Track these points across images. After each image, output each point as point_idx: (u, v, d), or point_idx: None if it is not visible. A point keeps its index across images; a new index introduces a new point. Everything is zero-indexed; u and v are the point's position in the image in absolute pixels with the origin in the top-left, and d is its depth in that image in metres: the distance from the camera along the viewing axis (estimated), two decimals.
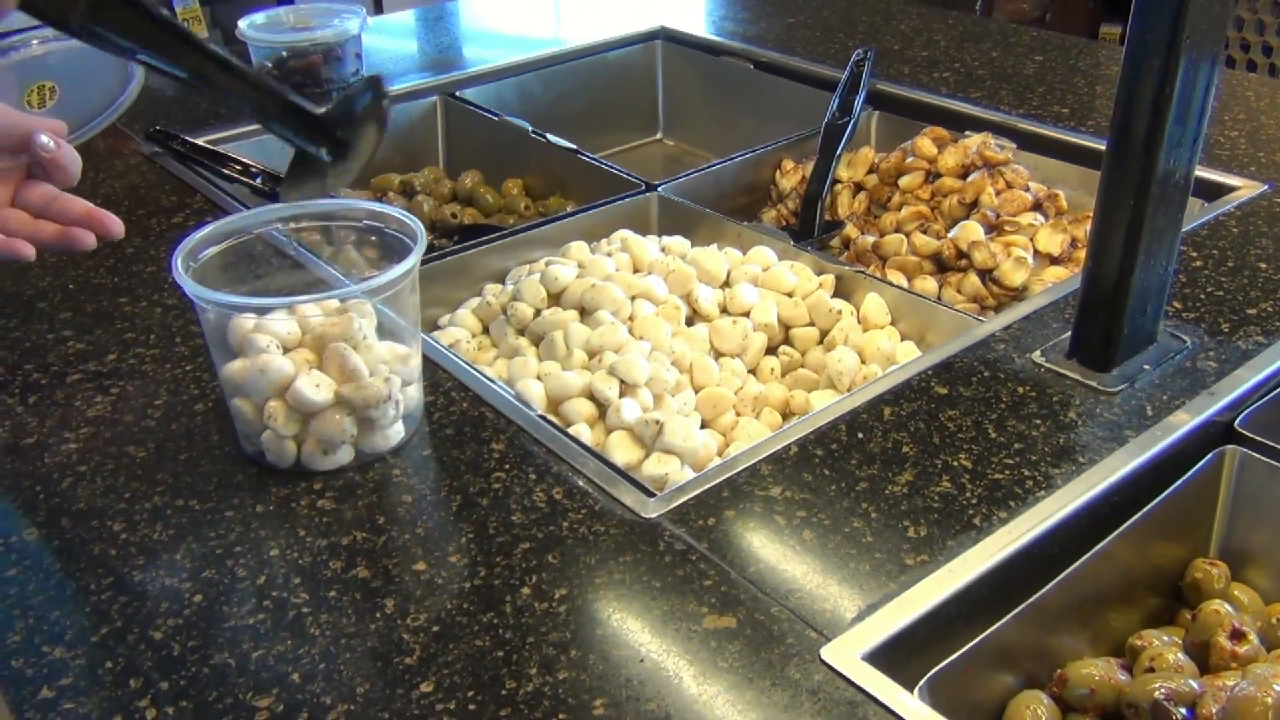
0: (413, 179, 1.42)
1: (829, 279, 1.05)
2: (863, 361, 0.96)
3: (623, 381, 0.89)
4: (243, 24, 1.45)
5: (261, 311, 0.74)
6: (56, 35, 1.12)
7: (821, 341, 1.01)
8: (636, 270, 1.06)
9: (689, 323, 1.02)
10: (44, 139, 0.79)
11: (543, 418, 0.81)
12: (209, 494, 0.74)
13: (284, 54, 1.44)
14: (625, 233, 1.11)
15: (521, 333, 1.01)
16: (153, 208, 1.15)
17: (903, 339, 1.00)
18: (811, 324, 1.02)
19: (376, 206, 0.80)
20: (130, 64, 1.17)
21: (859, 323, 1.01)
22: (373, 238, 0.82)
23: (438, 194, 1.41)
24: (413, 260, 0.74)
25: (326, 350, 0.74)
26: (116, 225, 0.82)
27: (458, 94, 1.51)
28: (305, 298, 0.71)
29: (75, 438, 0.80)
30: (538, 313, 1.01)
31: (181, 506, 0.73)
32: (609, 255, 1.07)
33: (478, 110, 1.48)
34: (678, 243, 1.11)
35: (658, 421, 0.85)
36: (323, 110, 0.84)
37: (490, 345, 1.04)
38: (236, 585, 0.66)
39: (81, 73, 1.19)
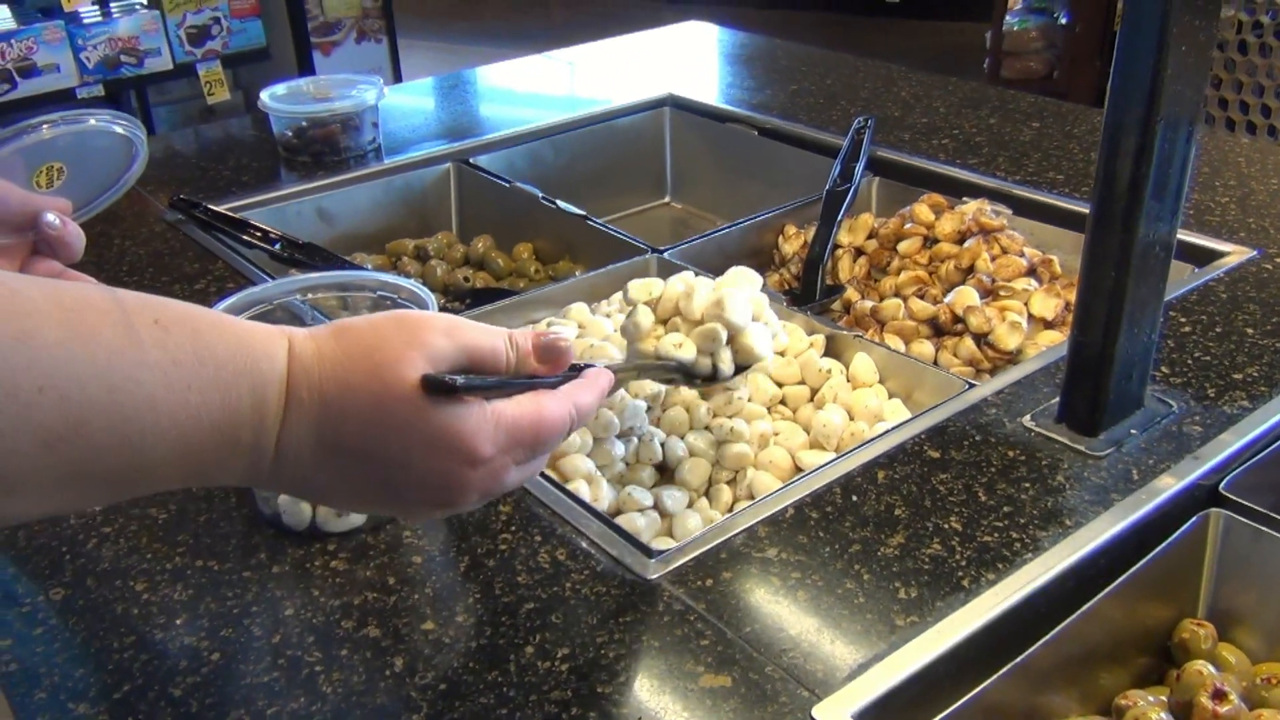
0: (426, 244, 1.47)
1: (819, 339, 1.08)
2: (851, 419, 0.99)
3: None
4: (264, 95, 1.51)
5: None
6: (65, 119, 1.18)
7: (812, 399, 1.04)
8: None
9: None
10: (50, 217, 0.83)
11: (541, 474, 0.85)
12: (227, 554, 0.77)
13: (303, 124, 1.50)
14: None
15: None
16: (176, 274, 1.20)
17: (890, 397, 1.03)
18: (803, 382, 1.05)
19: (389, 278, 0.84)
20: (135, 145, 1.23)
21: (848, 381, 1.04)
22: (387, 303, 0.86)
23: (451, 258, 1.45)
24: None
25: None
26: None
27: (471, 161, 1.56)
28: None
29: None
30: None
31: (201, 567, 0.76)
32: (608, 316, 1.11)
33: (490, 177, 1.53)
34: None
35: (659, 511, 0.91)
36: None
37: None
38: (253, 644, 0.69)
39: (88, 154, 1.24)
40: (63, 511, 0.60)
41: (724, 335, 0.86)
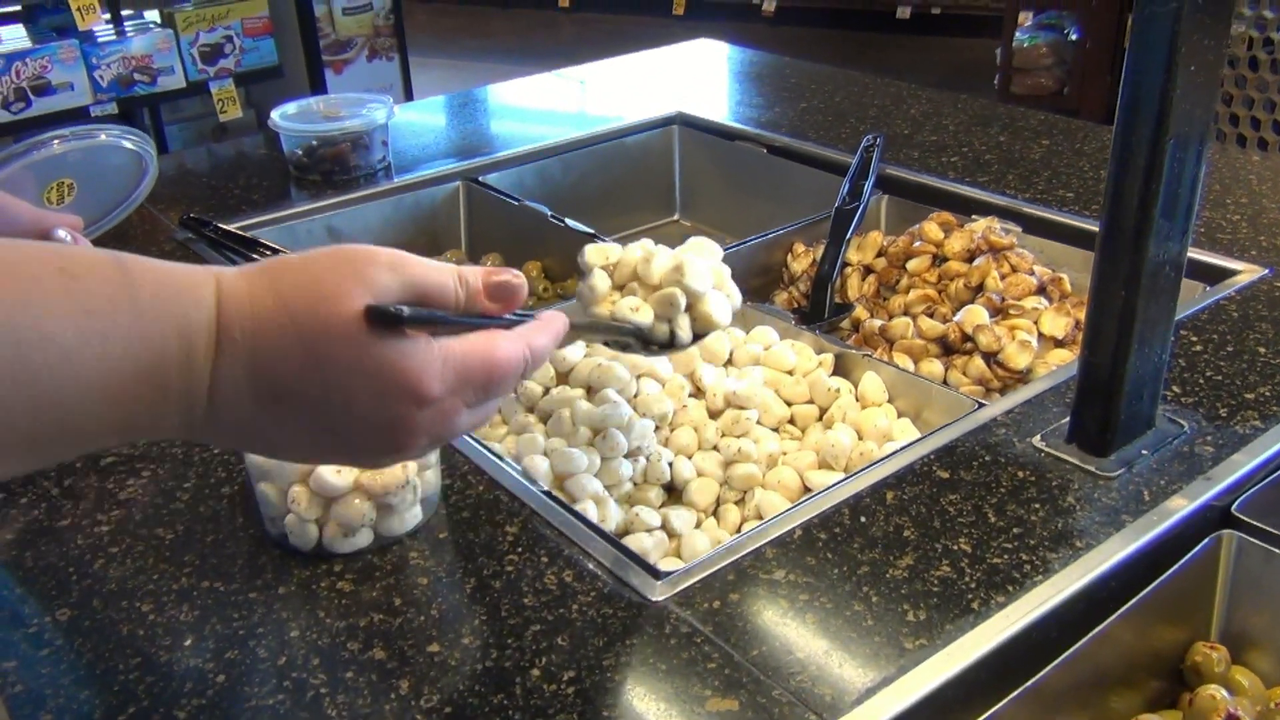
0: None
1: (828, 358, 1.08)
2: (860, 438, 0.98)
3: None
4: (275, 114, 1.51)
5: None
6: (75, 134, 1.18)
7: (821, 419, 1.04)
8: None
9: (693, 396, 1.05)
10: (61, 233, 0.84)
11: (547, 494, 0.84)
12: (234, 575, 0.77)
13: (314, 142, 1.50)
14: None
15: (531, 410, 1.04)
16: None
17: (899, 416, 1.03)
18: (811, 402, 1.04)
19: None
20: (145, 160, 1.23)
21: (857, 400, 1.04)
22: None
23: None
24: None
25: None
26: None
27: (480, 179, 1.56)
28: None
29: (107, 519, 0.83)
30: (546, 391, 1.04)
31: (207, 588, 0.76)
32: None
33: (499, 195, 1.53)
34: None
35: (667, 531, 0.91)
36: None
37: (501, 422, 1.07)
38: (258, 666, 0.69)
39: (98, 170, 1.25)
40: None
41: (683, 301, 0.83)
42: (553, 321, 0.63)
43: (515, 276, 0.59)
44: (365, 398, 0.52)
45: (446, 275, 0.56)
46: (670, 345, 0.85)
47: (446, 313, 0.56)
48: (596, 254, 0.88)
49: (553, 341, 0.62)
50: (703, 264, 0.85)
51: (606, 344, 0.88)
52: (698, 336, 0.86)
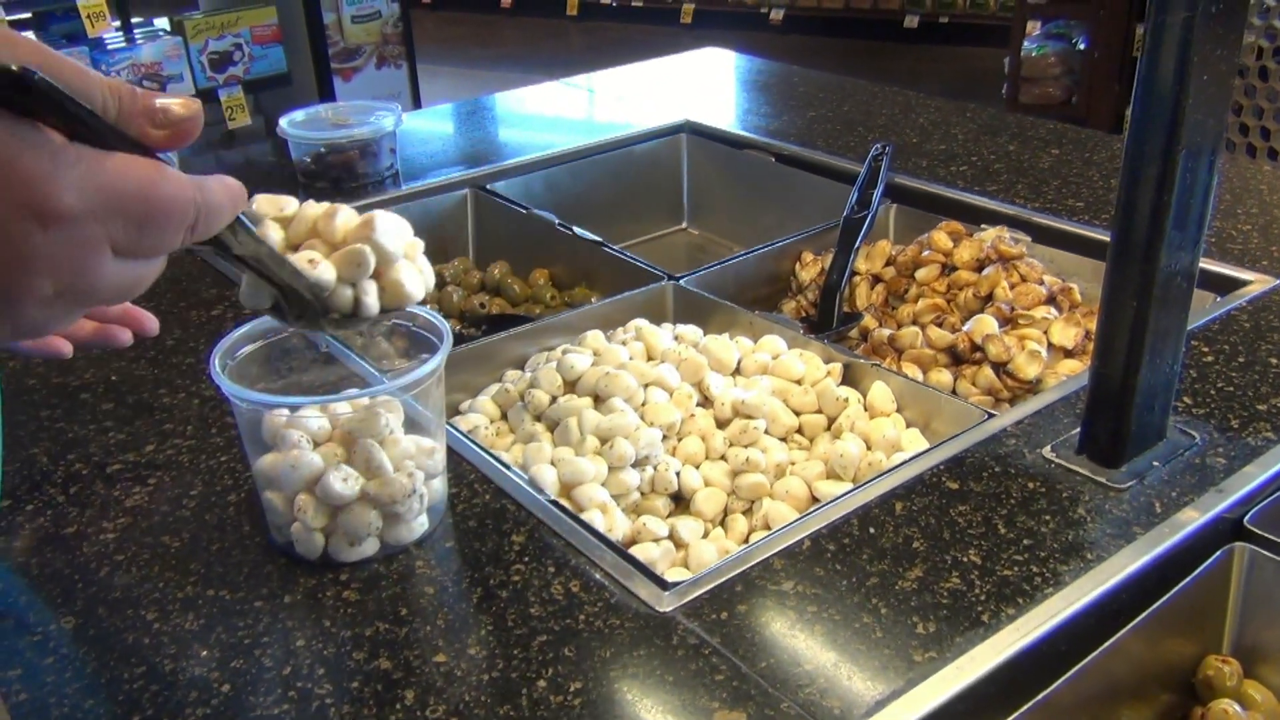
0: (443, 270, 1.47)
1: (836, 367, 1.08)
2: (869, 448, 0.98)
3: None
4: (283, 122, 1.52)
5: (294, 409, 0.78)
6: None
7: (829, 428, 1.03)
8: (650, 358, 1.09)
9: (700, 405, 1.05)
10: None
11: (554, 503, 0.84)
12: (239, 584, 0.77)
13: (322, 150, 1.51)
14: (640, 322, 1.15)
15: (538, 419, 1.04)
16: (193, 300, 1.20)
17: (908, 426, 1.02)
18: (820, 411, 1.04)
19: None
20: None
21: (865, 410, 1.03)
22: (401, 330, 0.86)
23: (467, 284, 1.45)
24: (439, 360, 0.77)
25: (355, 446, 0.77)
26: (152, 323, 0.86)
27: (488, 187, 1.56)
28: (337, 396, 0.74)
29: (113, 527, 0.83)
30: (554, 399, 1.04)
31: (213, 596, 0.76)
32: (623, 344, 1.10)
33: (507, 203, 1.53)
34: (690, 331, 1.14)
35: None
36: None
37: (508, 431, 1.07)
38: (263, 675, 0.69)
39: None
40: None
41: (371, 260, 0.69)
42: (229, 182, 0.50)
43: (186, 104, 0.47)
44: None
45: (91, 72, 0.43)
46: (354, 316, 0.70)
47: (92, 110, 0.42)
48: (268, 204, 0.69)
49: (230, 202, 0.50)
50: (394, 219, 0.72)
51: (274, 310, 0.68)
52: (386, 311, 0.72)
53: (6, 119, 0.38)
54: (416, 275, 0.73)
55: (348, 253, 0.68)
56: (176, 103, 0.46)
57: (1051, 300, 1.19)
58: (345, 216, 0.70)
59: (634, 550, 0.88)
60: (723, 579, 0.75)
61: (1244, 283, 1.15)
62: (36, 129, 0.39)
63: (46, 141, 0.39)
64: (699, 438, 1.01)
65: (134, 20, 3.38)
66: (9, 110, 0.38)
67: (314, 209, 0.70)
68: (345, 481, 0.76)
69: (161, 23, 3.52)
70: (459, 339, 1.16)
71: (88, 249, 0.41)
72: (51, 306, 0.42)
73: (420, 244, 0.74)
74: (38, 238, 0.39)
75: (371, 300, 0.70)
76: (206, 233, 0.49)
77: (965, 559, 0.76)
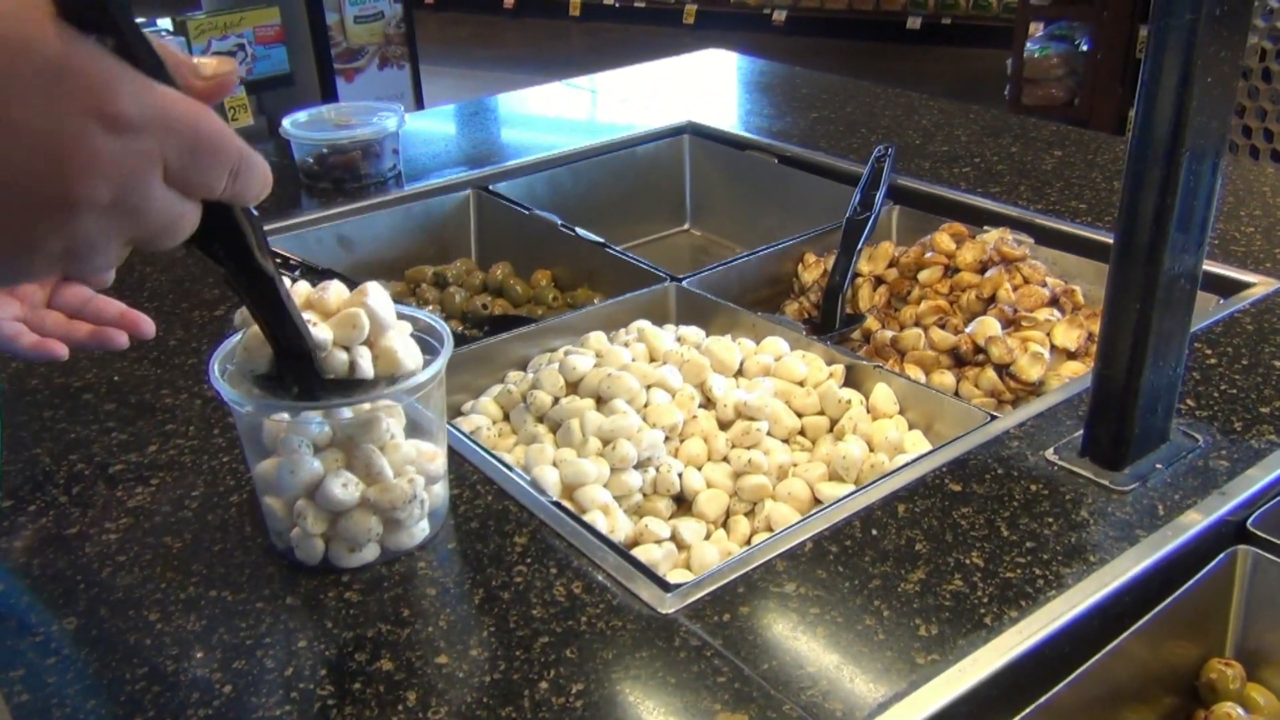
0: (445, 271, 1.47)
1: (839, 369, 1.08)
2: (871, 450, 0.98)
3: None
4: (286, 122, 1.52)
5: (294, 413, 0.77)
6: None
7: (832, 430, 1.03)
8: (652, 360, 1.09)
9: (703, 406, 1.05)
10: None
11: (556, 504, 0.84)
12: (241, 585, 0.77)
13: (324, 150, 1.51)
14: (642, 323, 1.15)
15: (540, 420, 1.04)
16: (196, 300, 1.20)
17: (911, 428, 1.02)
18: (822, 413, 1.04)
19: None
20: None
21: (868, 412, 1.03)
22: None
23: (469, 285, 1.45)
24: (440, 364, 0.77)
25: (355, 451, 0.77)
26: (148, 326, 0.86)
27: (491, 188, 1.56)
28: (338, 401, 0.74)
29: (115, 528, 0.83)
30: (556, 401, 1.04)
31: (215, 597, 0.76)
32: (626, 345, 1.10)
33: (509, 204, 1.53)
34: (693, 333, 1.14)
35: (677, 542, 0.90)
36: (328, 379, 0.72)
37: (511, 432, 1.07)
38: (265, 676, 0.69)
39: None
40: None
41: (366, 324, 0.71)
42: (258, 158, 0.50)
43: (222, 61, 0.49)
44: (32, 98, 0.39)
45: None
46: (350, 381, 0.72)
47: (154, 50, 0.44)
48: None
49: (263, 167, 0.50)
50: (386, 297, 0.75)
51: (269, 381, 0.70)
52: (379, 379, 0.73)
53: (76, 32, 0.40)
54: (410, 344, 0.76)
55: (344, 315, 0.72)
56: (212, 60, 0.49)
57: (1054, 302, 1.19)
58: (337, 289, 0.75)
59: (636, 552, 0.88)
60: (725, 581, 0.75)
61: (1247, 285, 1.15)
62: (104, 47, 0.41)
63: (111, 56, 0.41)
64: (701, 439, 1.00)
65: (138, 20, 3.38)
66: (85, 24, 0.41)
67: (306, 287, 0.75)
68: (345, 487, 0.75)
69: (165, 23, 3.52)
70: (461, 339, 1.16)
71: (144, 161, 0.43)
72: (105, 219, 0.43)
73: (407, 326, 0.78)
74: (101, 139, 0.41)
75: (366, 364, 0.73)
76: (245, 190, 0.49)
77: (968, 561, 0.76)
